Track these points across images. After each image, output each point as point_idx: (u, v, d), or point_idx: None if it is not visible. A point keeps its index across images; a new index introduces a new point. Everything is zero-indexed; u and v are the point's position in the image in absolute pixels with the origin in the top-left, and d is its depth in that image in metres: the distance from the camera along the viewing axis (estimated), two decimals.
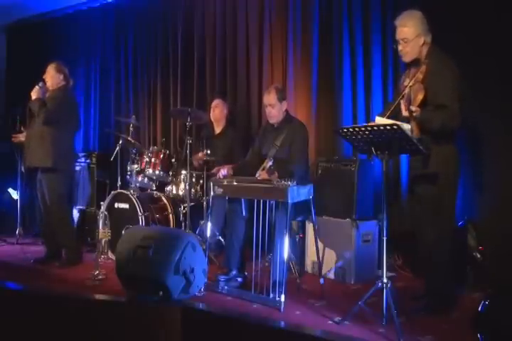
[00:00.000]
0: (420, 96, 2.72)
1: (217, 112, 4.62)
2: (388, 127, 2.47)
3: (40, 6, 6.25)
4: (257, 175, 3.34)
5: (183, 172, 4.35)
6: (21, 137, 4.37)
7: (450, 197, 2.87)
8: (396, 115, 2.79)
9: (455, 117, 2.70)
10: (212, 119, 4.66)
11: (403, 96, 2.81)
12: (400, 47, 2.89)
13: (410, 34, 2.82)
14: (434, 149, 2.72)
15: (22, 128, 4.53)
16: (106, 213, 4.04)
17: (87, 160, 5.37)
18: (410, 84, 2.81)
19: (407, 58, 2.91)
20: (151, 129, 5.76)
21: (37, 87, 4.04)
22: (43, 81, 4.13)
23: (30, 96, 4.06)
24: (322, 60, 4.48)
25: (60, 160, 4.02)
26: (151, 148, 4.56)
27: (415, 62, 2.89)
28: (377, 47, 4.11)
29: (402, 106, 2.74)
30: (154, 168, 4.43)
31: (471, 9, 3.53)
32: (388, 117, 2.74)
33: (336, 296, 3.28)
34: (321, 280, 3.34)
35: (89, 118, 6.34)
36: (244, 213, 3.42)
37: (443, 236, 2.84)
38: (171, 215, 4.49)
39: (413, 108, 2.64)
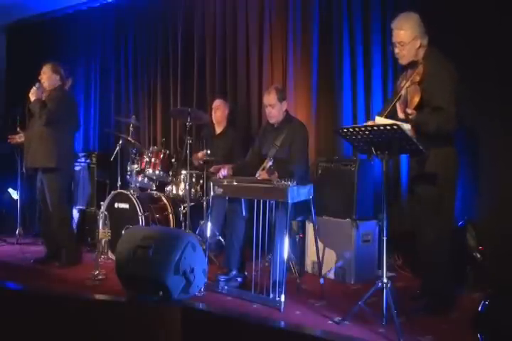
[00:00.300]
0: (416, 99, 2.72)
1: (219, 113, 4.62)
2: (388, 127, 2.47)
3: (40, 6, 6.25)
4: (257, 175, 3.35)
5: (183, 172, 4.36)
6: (18, 138, 4.37)
7: (449, 197, 2.87)
8: (393, 115, 2.80)
9: (451, 120, 2.70)
10: (213, 120, 4.66)
11: (399, 97, 2.81)
12: (396, 50, 2.89)
13: (407, 37, 2.81)
14: (434, 150, 2.73)
15: (18, 129, 4.53)
16: (106, 213, 4.04)
17: (87, 160, 5.37)
18: (407, 85, 2.82)
19: (403, 61, 2.91)
20: (151, 129, 5.76)
21: (34, 88, 4.04)
22: (39, 82, 4.13)
23: (28, 98, 4.06)
24: (322, 60, 4.48)
25: (62, 160, 4.03)
26: (151, 148, 4.56)
27: (412, 65, 2.89)
28: (377, 47, 4.11)
29: (398, 108, 2.74)
30: (154, 168, 4.43)
31: (471, 11, 3.53)
32: (386, 117, 2.75)
33: (336, 296, 3.28)
34: (321, 280, 3.34)
35: (89, 118, 6.34)
36: (244, 213, 3.42)
37: (442, 237, 2.84)
38: (171, 215, 4.49)
39: (409, 111, 2.65)
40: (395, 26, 2.86)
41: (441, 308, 2.87)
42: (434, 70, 2.77)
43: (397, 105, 2.76)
